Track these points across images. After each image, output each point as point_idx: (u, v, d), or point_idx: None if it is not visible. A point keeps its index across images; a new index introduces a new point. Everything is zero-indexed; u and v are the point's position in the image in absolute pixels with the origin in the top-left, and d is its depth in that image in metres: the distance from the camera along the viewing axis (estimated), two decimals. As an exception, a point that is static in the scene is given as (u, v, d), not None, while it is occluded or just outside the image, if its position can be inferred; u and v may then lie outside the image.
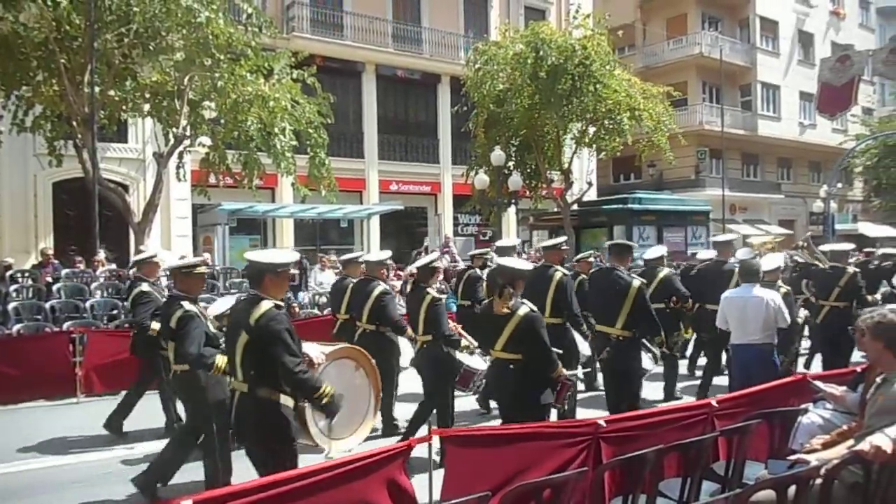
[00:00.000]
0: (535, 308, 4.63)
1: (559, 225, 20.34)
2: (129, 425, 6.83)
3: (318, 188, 13.37)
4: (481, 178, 18.22)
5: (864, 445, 2.68)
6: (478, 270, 8.25)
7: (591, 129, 18.90)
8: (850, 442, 3.32)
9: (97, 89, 11.72)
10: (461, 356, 5.91)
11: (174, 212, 17.29)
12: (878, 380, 3.53)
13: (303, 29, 20.10)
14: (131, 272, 7.90)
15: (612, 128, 18.06)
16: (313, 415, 4.01)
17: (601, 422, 3.99)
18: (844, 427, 3.85)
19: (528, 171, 19.64)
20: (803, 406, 4.49)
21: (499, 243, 8.90)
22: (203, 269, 5.28)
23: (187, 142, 13.33)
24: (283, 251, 6.65)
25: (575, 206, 20.40)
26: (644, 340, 6.17)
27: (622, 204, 21.06)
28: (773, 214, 31.81)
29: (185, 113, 12.91)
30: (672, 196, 23.81)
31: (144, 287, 6.63)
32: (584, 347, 6.55)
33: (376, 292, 6.25)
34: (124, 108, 13.00)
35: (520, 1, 25.28)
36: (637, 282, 5.88)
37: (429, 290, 5.83)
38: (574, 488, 2.91)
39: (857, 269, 8.63)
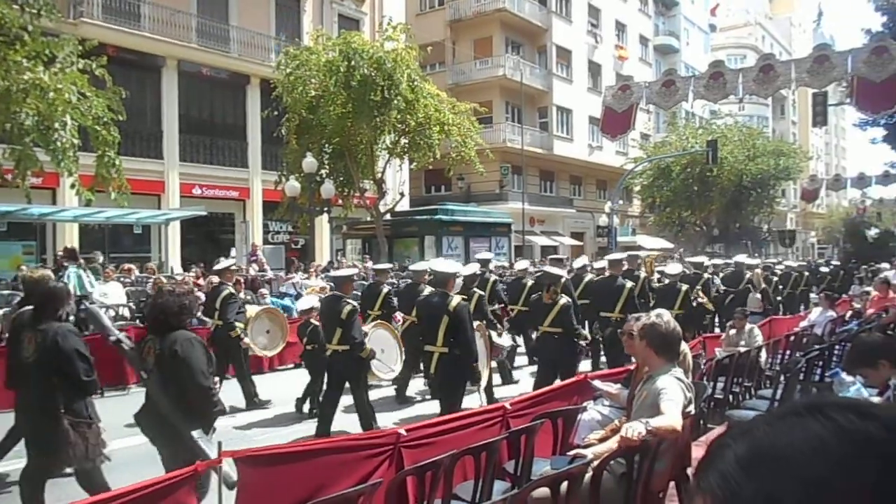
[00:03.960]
0: (570, 299, 7.42)
1: (372, 234, 20.48)
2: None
3: (107, 190, 12.16)
4: (292, 185, 17.77)
5: (624, 431, 2.98)
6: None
7: (404, 141, 19.26)
8: (619, 436, 3.68)
9: None
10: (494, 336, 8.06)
11: (-74, 213, 14.83)
12: (645, 377, 3.94)
13: (93, 15, 18.27)
14: (214, 278, 9.55)
15: (421, 141, 18.54)
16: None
17: (402, 430, 4.05)
18: (616, 422, 4.27)
19: (342, 179, 19.54)
20: (584, 404, 4.91)
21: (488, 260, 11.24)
22: (356, 277, 7.96)
23: (-56, 132, 11.47)
24: (455, 262, 8.62)
25: (388, 216, 20.66)
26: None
27: (432, 215, 21.76)
28: (566, 227, 34.67)
29: (-59, 99, 11.09)
30: (478, 208, 25.02)
31: (231, 290, 8.34)
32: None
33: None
34: None
35: (334, 8, 25.16)
36: (630, 284, 9.15)
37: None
38: (370, 500, 2.91)
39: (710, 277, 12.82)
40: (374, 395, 8.80)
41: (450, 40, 31.71)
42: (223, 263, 8.96)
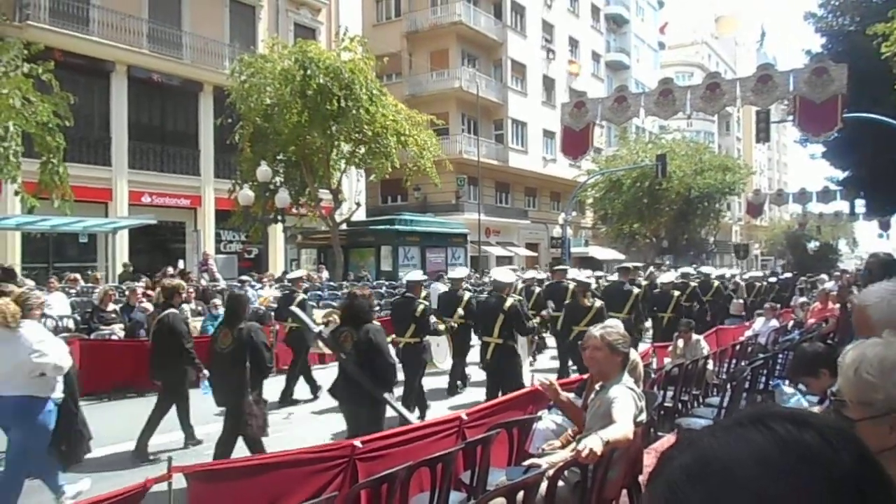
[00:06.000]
0: (603, 303, 9.05)
1: (328, 244, 20.31)
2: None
3: (51, 198, 11.77)
4: (245, 194, 17.51)
5: (580, 447, 3.03)
6: (564, 281, 11.28)
7: (361, 150, 19.20)
8: (573, 445, 3.73)
9: None
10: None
11: None
12: (597, 387, 4.01)
13: (40, 18, 17.72)
14: (288, 285, 10.91)
15: (378, 150, 18.53)
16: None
17: (357, 443, 4.03)
18: (570, 431, 4.33)
19: (297, 188, 19.35)
20: (538, 413, 4.96)
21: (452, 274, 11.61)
22: (423, 281, 9.25)
23: None
24: (510, 272, 9.36)
25: (344, 226, 20.53)
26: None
27: (389, 225, 21.70)
28: (521, 238, 35.02)
29: None
30: (434, 219, 25.06)
31: (303, 296, 9.98)
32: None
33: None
34: None
35: (289, 17, 25.00)
36: (636, 290, 10.65)
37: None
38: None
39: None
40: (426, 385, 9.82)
41: (406, 52, 31.80)
42: (296, 273, 10.62)
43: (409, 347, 7.95)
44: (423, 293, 9.14)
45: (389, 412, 5.58)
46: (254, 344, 5.69)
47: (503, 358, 7.42)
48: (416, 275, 9.32)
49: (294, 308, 8.67)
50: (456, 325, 9.59)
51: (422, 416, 7.66)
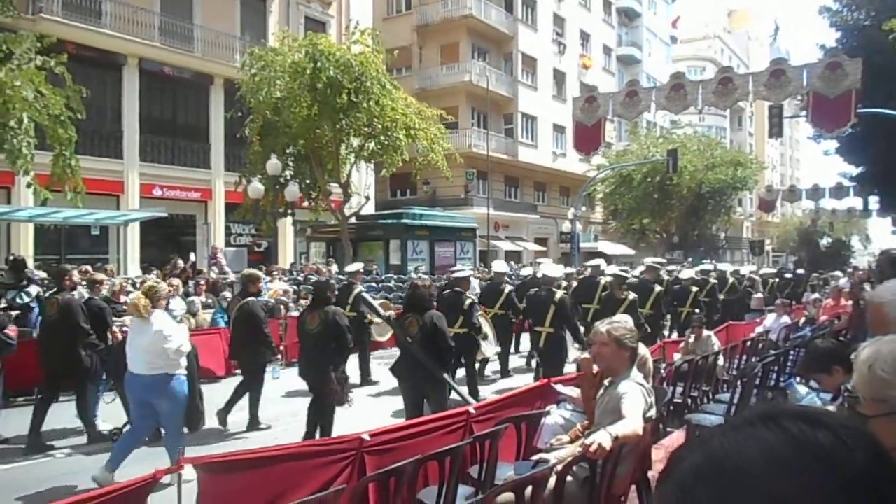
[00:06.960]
0: (636, 295, 9.16)
1: (336, 237, 20.34)
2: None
3: (63, 190, 11.83)
4: (255, 187, 17.53)
5: (589, 442, 3.01)
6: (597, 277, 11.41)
7: (370, 144, 19.17)
8: (582, 440, 3.72)
9: None
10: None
11: None
12: (606, 382, 4.00)
13: (52, 11, 17.81)
14: (344, 278, 11.77)
15: (388, 144, 18.50)
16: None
17: (365, 436, 4.03)
18: (579, 426, 4.32)
19: (307, 182, 19.37)
20: (547, 408, 4.95)
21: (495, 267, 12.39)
22: (469, 276, 10.15)
23: None
24: (558, 266, 10.20)
25: (353, 220, 20.54)
26: None
27: (398, 219, 21.71)
28: (530, 232, 34.93)
29: None
30: (443, 213, 25.03)
31: (361, 288, 10.62)
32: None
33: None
34: None
35: (300, 10, 24.99)
36: (658, 287, 10.64)
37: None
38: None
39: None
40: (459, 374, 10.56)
41: (416, 45, 31.71)
42: (353, 267, 11.38)
43: (457, 337, 8.38)
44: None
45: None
46: (338, 326, 6.30)
47: (555, 344, 8.26)
48: (464, 272, 10.22)
49: (365, 295, 9.64)
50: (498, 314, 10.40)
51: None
